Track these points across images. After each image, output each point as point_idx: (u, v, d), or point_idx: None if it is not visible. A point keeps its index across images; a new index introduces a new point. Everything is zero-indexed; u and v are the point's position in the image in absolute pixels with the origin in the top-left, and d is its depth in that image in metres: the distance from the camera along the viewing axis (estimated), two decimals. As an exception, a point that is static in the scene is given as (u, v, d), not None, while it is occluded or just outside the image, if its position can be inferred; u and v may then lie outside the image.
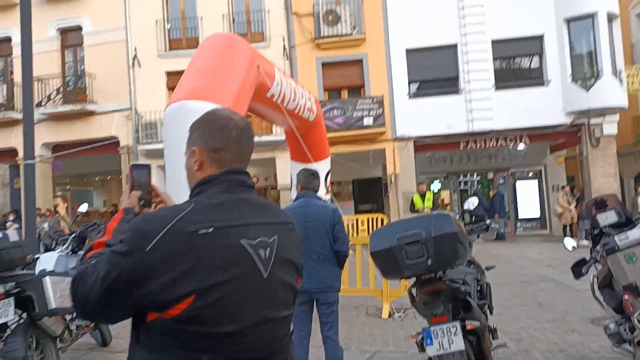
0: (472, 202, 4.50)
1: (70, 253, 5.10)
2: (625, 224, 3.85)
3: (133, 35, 16.27)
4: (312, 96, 11.62)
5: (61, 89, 16.32)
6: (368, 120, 14.85)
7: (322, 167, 13.11)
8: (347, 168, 16.05)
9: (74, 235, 5.12)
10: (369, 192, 19.57)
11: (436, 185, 18.97)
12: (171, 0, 16.75)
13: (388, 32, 15.47)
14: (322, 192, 12.99)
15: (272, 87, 8.00)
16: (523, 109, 14.77)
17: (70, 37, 17.08)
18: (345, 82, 15.94)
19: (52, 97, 16.21)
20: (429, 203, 12.39)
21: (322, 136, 12.73)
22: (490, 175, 18.98)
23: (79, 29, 16.72)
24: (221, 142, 1.40)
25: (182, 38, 16.60)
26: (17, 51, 17.13)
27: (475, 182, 22.85)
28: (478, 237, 15.07)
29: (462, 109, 15.13)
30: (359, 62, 15.61)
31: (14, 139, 16.96)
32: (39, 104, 16.23)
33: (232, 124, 1.42)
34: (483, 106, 14.96)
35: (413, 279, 3.47)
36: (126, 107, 16.15)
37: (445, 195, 19.04)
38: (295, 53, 15.75)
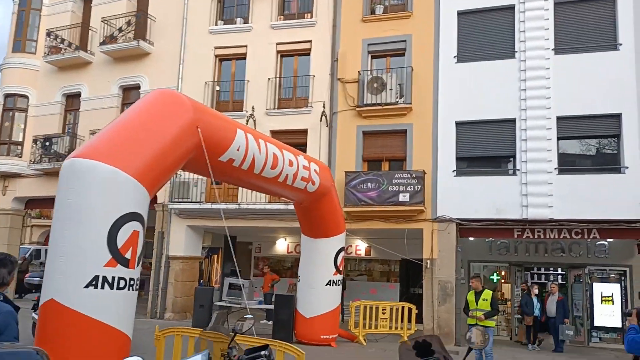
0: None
1: None
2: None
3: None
4: (319, 166, 10.61)
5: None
6: (404, 197, 13.38)
7: (334, 243, 11.92)
8: (393, 246, 14.53)
9: None
10: (419, 276, 17.56)
11: (495, 278, 16.60)
12: (225, 63, 17.01)
13: (437, 102, 14.15)
14: (332, 273, 11.73)
15: (229, 151, 7.12)
16: (591, 198, 12.45)
17: (132, 95, 17.86)
18: (386, 153, 14.68)
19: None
20: (484, 304, 9.24)
21: (331, 210, 11.58)
22: (579, 272, 16.18)
23: (137, 87, 17.46)
24: None
25: (229, 100, 16.63)
26: (84, 106, 18.29)
27: (559, 278, 19.80)
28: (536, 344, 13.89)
29: (516, 193, 13.11)
30: (402, 133, 14.36)
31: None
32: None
33: None
34: (541, 191, 12.84)
35: None
36: (168, 165, 16.18)
37: (506, 289, 16.58)
38: (336, 120, 14.94)
